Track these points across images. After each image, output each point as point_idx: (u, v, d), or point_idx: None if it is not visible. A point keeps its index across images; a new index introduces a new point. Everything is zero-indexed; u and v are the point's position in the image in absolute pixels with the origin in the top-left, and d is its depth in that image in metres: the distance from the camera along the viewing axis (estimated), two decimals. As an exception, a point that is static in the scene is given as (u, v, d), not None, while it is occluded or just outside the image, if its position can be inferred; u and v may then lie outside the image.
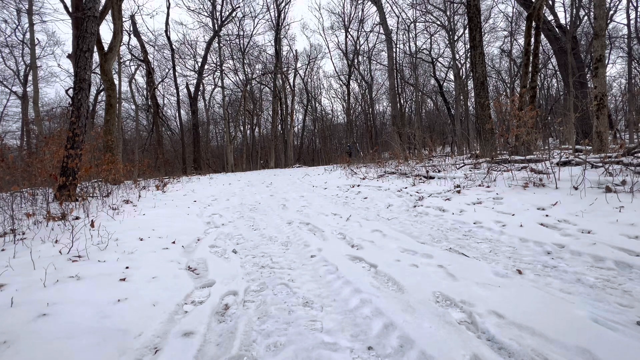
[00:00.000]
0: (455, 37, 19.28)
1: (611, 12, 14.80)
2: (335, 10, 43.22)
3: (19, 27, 17.22)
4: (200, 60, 21.31)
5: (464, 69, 20.37)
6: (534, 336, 1.23)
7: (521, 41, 17.94)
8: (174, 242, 2.84)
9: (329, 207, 4.52)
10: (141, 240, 2.91)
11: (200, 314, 1.53)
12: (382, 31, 18.20)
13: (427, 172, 5.90)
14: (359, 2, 21.50)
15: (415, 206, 4.06)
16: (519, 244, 2.36)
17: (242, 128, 26.97)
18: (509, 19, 19.58)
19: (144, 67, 20.11)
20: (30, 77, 17.40)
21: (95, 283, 1.92)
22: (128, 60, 20.02)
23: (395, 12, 20.37)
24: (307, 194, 5.90)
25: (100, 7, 8.15)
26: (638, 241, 2.14)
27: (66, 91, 18.08)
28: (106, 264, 2.26)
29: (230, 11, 20.95)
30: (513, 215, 3.07)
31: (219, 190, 7.32)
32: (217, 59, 21.19)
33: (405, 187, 5.37)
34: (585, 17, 14.38)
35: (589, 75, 11.15)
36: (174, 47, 20.92)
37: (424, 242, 2.55)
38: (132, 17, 18.08)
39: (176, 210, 4.58)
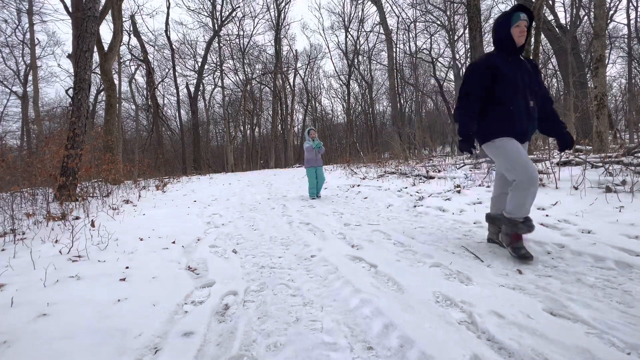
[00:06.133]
0: (455, 37, 19.27)
1: (611, 12, 14.80)
2: (335, 10, 43.27)
3: (19, 27, 17.23)
4: (200, 60, 21.32)
5: (464, 69, 20.36)
6: (534, 336, 1.23)
7: (521, 41, 17.86)
8: (174, 242, 2.84)
9: (329, 206, 4.52)
10: (141, 240, 2.91)
11: (200, 314, 1.53)
12: (382, 31, 18.21)
13: (427, 172, 5.90)
14: (359, 2, 21.50)
15: (415, 206, 4.06)
16: (519, 244, 2.36)
17: (242, 128, 26.98)
18: (509, 19, 19.52)
19: (144, 67, 20.12)
20: (30, 77, 17.41)
21: (95, 283, 1.92)
22: (128, 60, 20.04)
23: (395, 12, 20.37)
24: (307, 194, 5.89)
25: (100, 7, 8.16)
26: (638, 241, 2.13)
27: (66, 91, 18.09)
28: (106, 264, 2.26)
29: (230, 11, 20.96)
30: (513, 215, 3.06)
31: (219, 190, 7.33)
32: (217, 59, 21.19)
33: (406, 187, 5.37)
34: (585, 17, 14.39)
35: (589, 75, 11.15)
36: (174, 47, 20.93)
37: (424, 242, 2.55)
38: (132, 17, 18.08)
39: (176, 210, 4.58)
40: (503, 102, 2.06)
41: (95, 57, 8.71)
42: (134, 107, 22.46)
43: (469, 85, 2.15)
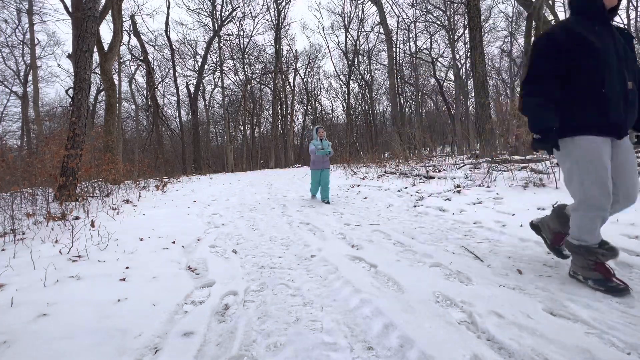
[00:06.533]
0: (455, 37, 19.28)
1: (611, 12, 14.78)
2: (335, 10, 43.24)
3: (19, 27, 17.23)
4: (200, 60, 21.31)
5: (464, 69, 20.38)
6: (534, 336, 1.23)
7: (521, 41, 17.94)
8: (174, 242, 2.84)
9: (329, 206, 4.52)
10: (141, 240, 2.91)
11: (200, 314, 1.53)
12: (382, 31, 18.19)
13: (427, 172, 5.90)
14: (359, 2, 21.49)
15: (415, 206, 4.06)
16: (519, 243, 2.36)
17: (242, 128, 26.97)
18: (509, 19, 19.60)
19: (144, 67, 20.12)
20: (30, 77, 17.41)
21: (95, 283, 1.92)
22: (128, 60, 20.04)
23: (395, 12, 20.37)
24: (308, 194, 5.89)
25: (100, 7, 8.16)
26: (638, 241, 2.14)
27: (66, 91, 18.09)
28: (106, 264, 2.26)
29: (230, 11, 20.95)
30: (513, 215, 3.07)
31: (219, 190, 7.32)
32: (217, 59, 21.19)
33: (406, 187, 5.37)
34: (585, 17, 14.36)
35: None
36: (174, 47, 20.92)
37: (424, 242, 2.55)
38: (132, 17, 18.08)
39: (176, 210, 4.58)
40: (591, 84, 1.52)
41: (95, 57, 8.71)
42: (134, 107, 22.46)
43: (542, 65, 1.60)
